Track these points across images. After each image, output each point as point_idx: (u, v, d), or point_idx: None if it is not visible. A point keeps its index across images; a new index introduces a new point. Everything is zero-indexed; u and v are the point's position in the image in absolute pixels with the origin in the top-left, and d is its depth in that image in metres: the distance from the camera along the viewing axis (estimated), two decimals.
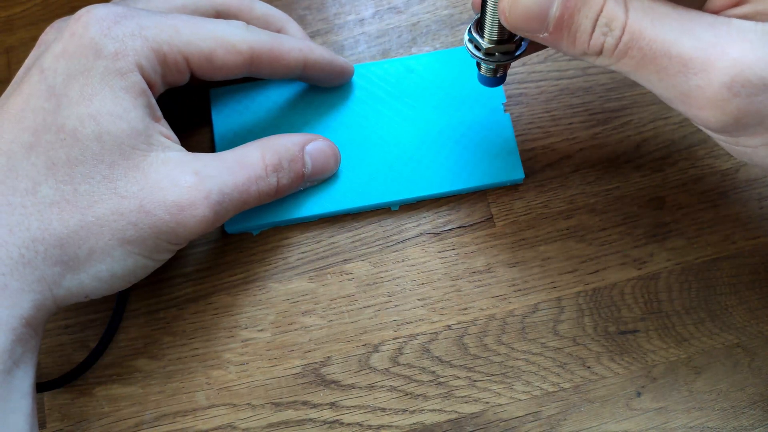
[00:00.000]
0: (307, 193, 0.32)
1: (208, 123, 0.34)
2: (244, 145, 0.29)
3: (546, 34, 0.23)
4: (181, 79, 0.28)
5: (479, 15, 0.27)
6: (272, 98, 0.34)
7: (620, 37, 0.22)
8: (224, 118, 0.33)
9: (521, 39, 0.27)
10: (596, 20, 0.22)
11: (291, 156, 0.30)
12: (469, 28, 0.27)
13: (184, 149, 0.28)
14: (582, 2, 0.22)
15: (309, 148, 0.31)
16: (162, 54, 0.27)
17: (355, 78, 0.34)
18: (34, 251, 0.25)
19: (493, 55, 0.27)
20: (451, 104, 0.33)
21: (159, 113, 0.28)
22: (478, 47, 0.27)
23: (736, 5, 0.22)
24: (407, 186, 0.32)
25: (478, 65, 0.28)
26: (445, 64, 0.34)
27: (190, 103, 0.34)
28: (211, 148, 0.34)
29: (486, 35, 0.27)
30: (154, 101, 0.27)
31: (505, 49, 0.27)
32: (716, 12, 0.22)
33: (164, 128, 0.28)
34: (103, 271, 0.26)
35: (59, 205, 0.25)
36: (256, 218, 0.32)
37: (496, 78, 0.29)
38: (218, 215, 0.27)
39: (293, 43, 0.30)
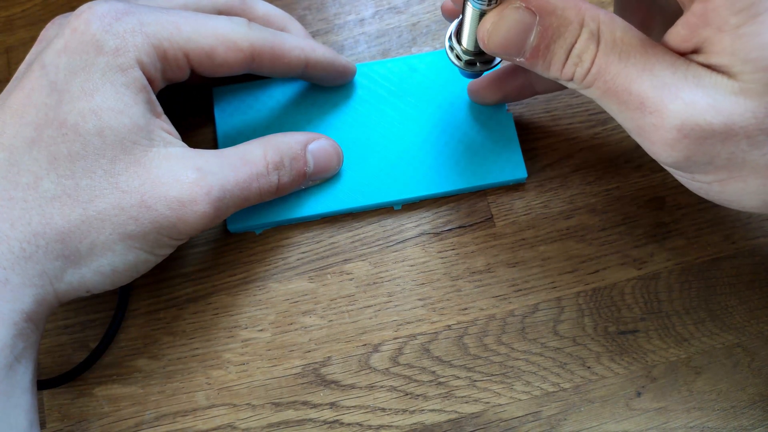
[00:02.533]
0: (310, 192, 0.32)
1: (211, 121, 0.34)
2: (247, 142, 0.30)
3: (522, 59, 0.24)
4: (181, 76, 0.28)
5: (458, 22, 0.27)
6: (275, 97, 0.34)
7: (589, 69, 0.23)
8: (227, 116, 0.33)
9: None
10: (570, 51, 0.23)
11: (293, 154, 0.30)
12: (450, 35, 0.28)
13: (185, 145, 0.28)
14: (558, 34, 0.23)
15: (312, 146, 0.31)
16: (162, 50, 0.27)
17: (357, 77, 0.34)
18: (36, 245, 0.25)
19: (474, 64, 0.28)
20: (454, 103, 0.33)
21: (159, 109, 0.28)
22: (458, 57, 0.28)
23: (693, 52, 0.22)
24: (410, 185, 0.32)
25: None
26: (448, 63, 0.34)
27: (193, 101, 0.34)
28: (214, 146, 0.34)
29: (465, 45, 0.27)
30: (154, 97, 0.27)
31: (484, 59, 0.28)
32: (678, 53, 0.23)
33: (165, 124, 0.28)
34: (105, 265, 0.26)
35: (60, 200, 0.25)
36: (259, 217, 0.32)
37: (477, 75, 0.30)
38: (219, 211, 0.27)
39: (295, 41, 0.30)
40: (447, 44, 0.28)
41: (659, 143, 0.23)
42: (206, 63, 0.28)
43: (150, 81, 0.27)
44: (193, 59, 0.28)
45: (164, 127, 0.27)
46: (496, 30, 0.24)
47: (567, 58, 0.23)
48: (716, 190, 0.24)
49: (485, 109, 0.33)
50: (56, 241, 0.25)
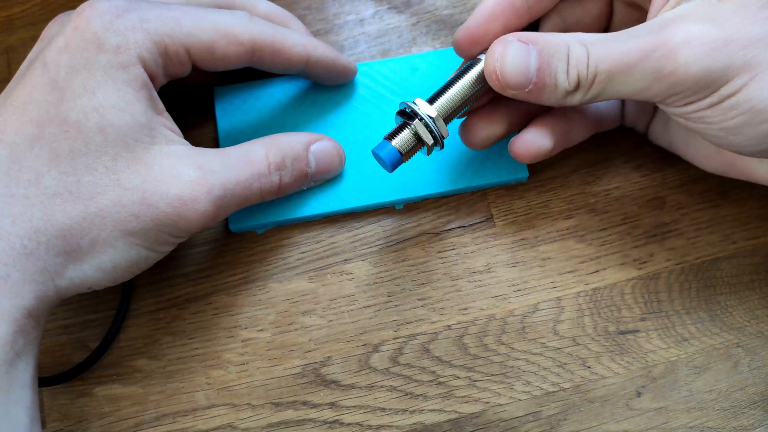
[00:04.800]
0: (312, 192, 0.32)
1: (212, 121, 0.34)
2: (249, 141, 0.30)
3: (531, 86, 0.26)
4: (183, 71, 0.28)
5: (441, 90, 0.28)
6: (276, 96, 0.34)
7: (587, 65, 0.25)
8: (228, 116, 0.33)
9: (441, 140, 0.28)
10: (568, 60, 0.26)
11: (295, 155, 0.30)
12: (407, 109, 0.28)
13: (187, 143, 0.28)
14: (553, 50, 0.26)
15: (314, 147, 0.31)
16: (163, 46, 0.27)
17: (359, 77, 0.34)
18: (37, 242, 0.25)
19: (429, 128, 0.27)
20: None
21: (161, 106, 0.28)
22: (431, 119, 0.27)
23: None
24: (412, 185, 0.32)
25: (391, 133, 0.28)
26: (449, 62, 0.34)
27: (194, 101, 0.34)
28: (215, 146, 0.34)
29: (438, 111, 0.28)
30: (156, 94, 0.27)
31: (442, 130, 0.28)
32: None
33: (168, 121, 0.28)
34: (106, 261, 0.26)
35: (62, 196, 0.25)
36: (261, 217, 0.32)
37: (399, 158, 0.28)
38: (220, 210, 0.27)
39: (297, 37, 0.30)
40: (415, 106, 0.28)
41: (682, 61, 0.24)
42: (207, 57, 0.28)
43: (152, 78, 0.27)
44: (194, 54, 0.28)
45: (166, 125, 0.27)
46: (505, 60, 0.26)
47: (568, 68, 0.26)
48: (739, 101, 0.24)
49: None
50: (57, 238, 0.25)
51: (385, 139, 0.28)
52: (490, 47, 0.27)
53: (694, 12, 0.25)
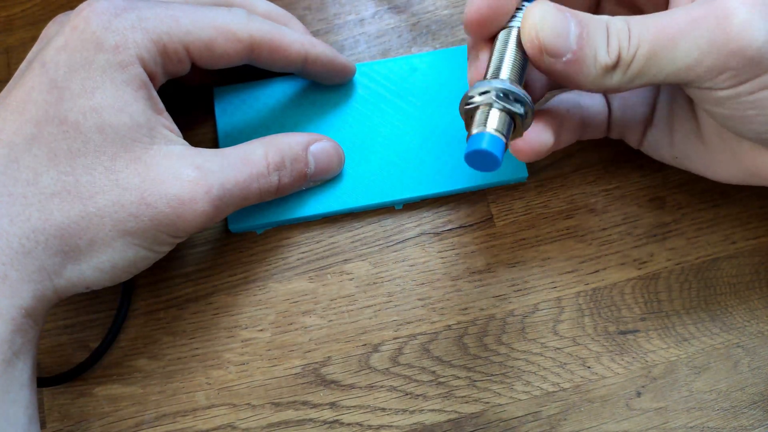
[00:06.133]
0: (312, 192, 0.32)
1: (212, 121, 0.34)
2: (248, 142, 0.30)
3: (570, 55, 0.24)
4: (182, 69, 0.28)
5: (494, 64, 0.25)
6: (276, 97, 0.34)
7: (629, 38, 0.24)
8: (228, 116, 0.33)
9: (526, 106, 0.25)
10: (608, 35, 0.24)
11: (294, 155, 0.30)
12: (474, 91, 0.25)
13: (186, 143, 0.28)
14: (591, 21, 0.24)
15: (313, 148, 0.31)
16: (162, 45, 0.27)
17: (358, 77, 0.34)
18: (35, 241, 0.25)
19: (521, 103, 0.25)
20: (455, 102, 0.33)
21: (161, 105, 0.28)
22: (505, 95, 0.25)
23: None
24: (411, 185, 0.32)
25: (478, 124, 0.24)
26: (449, 62, 0.34)
27: (194, 101, 0.34)
28: (214, 146, 0.34)
29: (508, 76, 0.25)
30: (155, 93, 0.27)
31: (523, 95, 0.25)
32: None
33: (167, 121, 0.28)
34: (104, 261, 0.26)
35: (60, 196, 0.25)
36: (260, 217, 0.32)
37: (504, 144, 0.24)
38: (219, 210, 0.27)
39: (295, 35, 0.30)
40: (479, 91, 0.25)
41: (741, 27, 0.22)
42: (206, 55, 0.28)
43: (151, 77, 0.27)
44: (193, 52, 0.28)
45: (165, 124, 0.27)
46: (544, 21, 0.24)
47: (608, 40, 0.24)
48: None
49: None
50: (55, 237, 0.25)
51: (472, 133, 0.24)
52: (527, 9, 0.25)
53: None
